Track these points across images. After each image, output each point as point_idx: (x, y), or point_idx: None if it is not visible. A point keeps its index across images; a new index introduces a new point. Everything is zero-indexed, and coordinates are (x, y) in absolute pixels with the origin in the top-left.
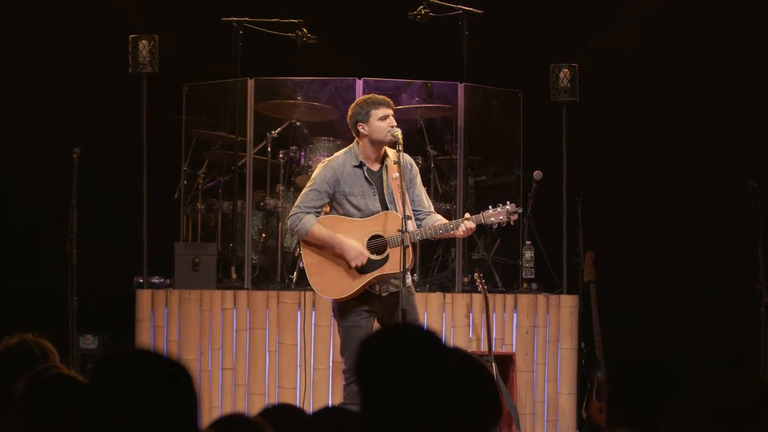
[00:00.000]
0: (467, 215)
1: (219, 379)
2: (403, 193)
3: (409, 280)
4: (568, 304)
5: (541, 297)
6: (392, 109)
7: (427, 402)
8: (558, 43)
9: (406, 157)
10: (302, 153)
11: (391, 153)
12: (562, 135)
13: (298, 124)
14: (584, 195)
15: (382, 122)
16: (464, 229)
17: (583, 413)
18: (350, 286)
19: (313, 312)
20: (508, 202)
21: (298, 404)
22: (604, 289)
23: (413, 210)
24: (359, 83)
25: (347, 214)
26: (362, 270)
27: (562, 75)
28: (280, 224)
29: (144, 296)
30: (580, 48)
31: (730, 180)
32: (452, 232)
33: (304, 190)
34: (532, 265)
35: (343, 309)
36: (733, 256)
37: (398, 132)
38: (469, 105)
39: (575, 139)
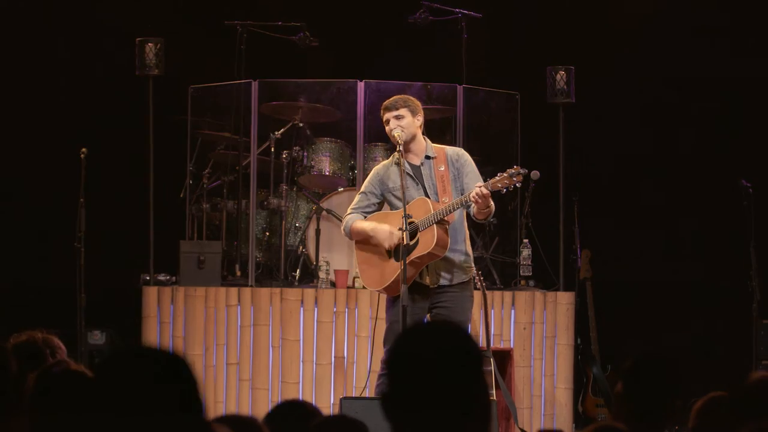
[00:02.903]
0: (478, 183)
1: (224, 375)
2: (444, 185)
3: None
4: (564, 301)
5: (538, 294)
6: (393, 110)
7: (448, 401)
8: (555, 46)
9: (454, 149)
10: (305, 153)
11: (437, 149)
12: (558, 135)
13: (301, 125)
14: (580, 194)
15: (387, 126)
16: (475, 194)
17: (580, 407)
18: (388, 275)
19: (316, 308)
20: (516, 166)
21: (300, 399)
22: (599, 286)
23: None
24: (360, 85)
25: (395, 209)
26: (397, 257)
27: (558, 77)
28: (283, 223)
29: (150, 293)
30: (577, 51)
31: (723, 180)
32: (468, 203)
33: (356, 194)
34: (530, 263)
35: (392, 304)
36: (726, 255)
37: (396, 133)
38: (468, 106)
39: (571, 139)
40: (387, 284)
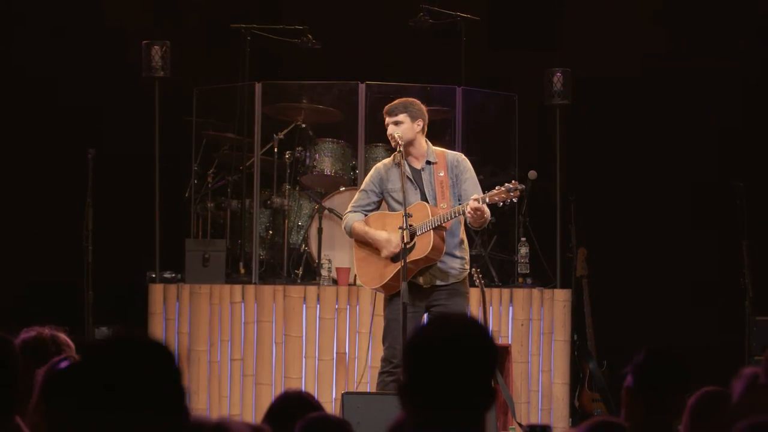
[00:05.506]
0: (474, 196)
1: (228, 370)
2: (442, 189)
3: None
4: (561, 298)
5: (535, 291)
6: (393, 116)
7: (463, 393)
8: (552, 48)
9: (454, 155)
10: (307, 154)
11: (438, 153)
12: (555, 136)
13: (304, 126)
14: (577, 193)
15: (389, 129)
16: (470, 208)
17: (576, 402)
18: (384, 274)
19: (318, 305)
20: (513, 181)
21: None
22: (595, 283)
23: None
24: (362, 87)
25: (392, 210)
26: (394, 258)
27: (555, 79)
28: (286, 221)
29: (156, 290)
30: (573, 53)
31: (716, 179)
32: (462, 216)
33: (357, 192)
34: (527, 261)
35: (388, 302)
36: (719, 252)
37: (397, 134)
38: (467, 107)
39: (568, 140)
40: (384, 282)
